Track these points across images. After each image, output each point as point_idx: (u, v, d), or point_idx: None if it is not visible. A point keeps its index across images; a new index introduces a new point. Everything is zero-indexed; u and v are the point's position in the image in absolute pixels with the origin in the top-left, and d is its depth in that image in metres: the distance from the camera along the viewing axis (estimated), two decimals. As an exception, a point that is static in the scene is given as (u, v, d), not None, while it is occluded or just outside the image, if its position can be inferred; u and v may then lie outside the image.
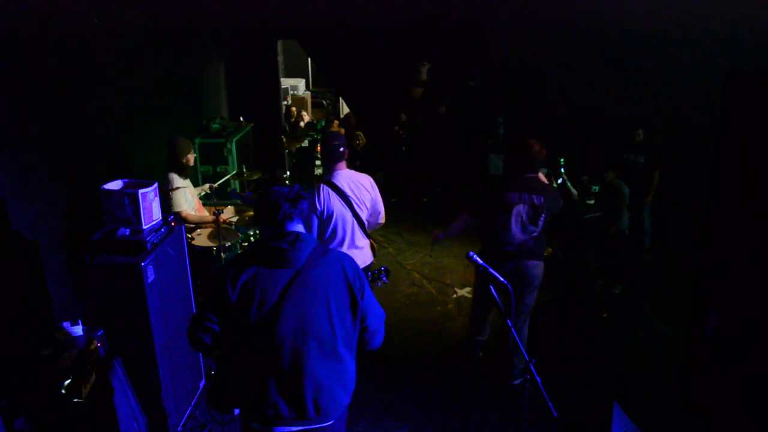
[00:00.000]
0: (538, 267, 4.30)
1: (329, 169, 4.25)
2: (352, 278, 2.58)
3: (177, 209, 5.04)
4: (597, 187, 6.13)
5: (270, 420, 2.53)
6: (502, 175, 4.30)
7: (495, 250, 4.27)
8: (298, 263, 2.48)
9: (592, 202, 6.24)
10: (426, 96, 7.93)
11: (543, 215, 4.18)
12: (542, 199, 4.17)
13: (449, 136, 8.07)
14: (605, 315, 5.56)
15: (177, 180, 5.09)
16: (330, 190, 4.14)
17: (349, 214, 4.20)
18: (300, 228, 2.57)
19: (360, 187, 4.25)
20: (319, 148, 8.06)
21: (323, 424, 2.59)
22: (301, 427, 2.56)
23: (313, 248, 2.54)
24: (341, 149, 4.18)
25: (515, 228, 4.21)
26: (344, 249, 4.22)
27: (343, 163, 4.25)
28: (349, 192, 4.19)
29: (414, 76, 7.89)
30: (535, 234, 4.22)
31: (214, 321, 2.50)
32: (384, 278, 3.38)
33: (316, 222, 4.11)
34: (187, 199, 5.18)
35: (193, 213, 5.25)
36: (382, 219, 4.47)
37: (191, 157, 5.18)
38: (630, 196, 5.79)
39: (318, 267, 2.51)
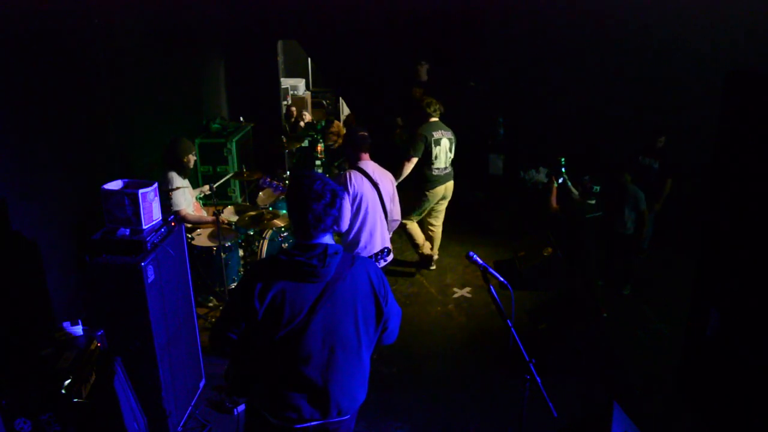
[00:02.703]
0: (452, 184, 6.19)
1: (356, 157, 4.40)
2: (377, 286, 2.57)
3: (176, 208, 5.05)
4: (598, 188, 6.12)
5: (290, 419, 2.54)
6: (423, 124, 5.92)
7: (431, 177, 5.95)
8: (327, 277, 2.44)
9: (593, 202, 6.22)
10: (424, 96, 7.91)
11: (454, 144, 6.01)
12: (451, 133, 5.98)
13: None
14: (605, 315, 5.57)
15: (177, 179, 5.10)
16: (361, 176, 4.27)
17: (378, 200, 4.31)
18: (328, 239, 2.50)
19: (385, 179, 4.45)
20: (319, 148, 8.04)
21: (341, 419, 2.63)
22: (321, 422, 2.58)
23: (341, 259, 2.49)
24: (369, 141, 4.42)
25: (442, 157, 5.90)
26: (377, 236, 4.32)
27: (368, 154, 4.44)
28: (376, 179, 4.34)
29: (413, 77, 7.88)
30: (451, 161, 6.02)
31: (238, 333, 2.49)
32: (386, 257, 3.43)
33: (345, 213, 4.18)
34: (186, 198, 5.19)
35: (191, 213, 5.26)
36: (398, 215, 4.61)
37: (192, 158, 5.21)
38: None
39: (346, 279, 2.48)
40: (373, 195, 4.30)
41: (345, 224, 4.21)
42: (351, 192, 4.21)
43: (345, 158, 4.63)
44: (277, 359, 2.50)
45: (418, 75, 7.84)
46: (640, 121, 6.91)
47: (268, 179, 5.19)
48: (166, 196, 4.97)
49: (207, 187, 5.59)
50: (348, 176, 4.26)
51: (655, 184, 6.08)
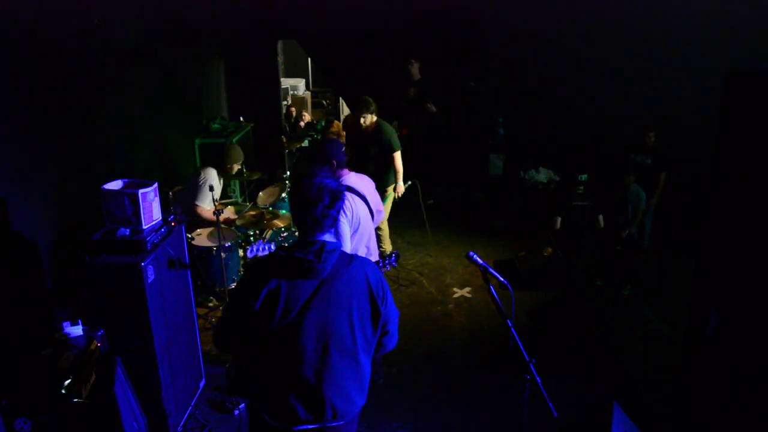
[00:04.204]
0: None
1: (338, 175, 4.19)
2: (375, 287, 2.56)
3: (199, 202, 5.15)
4: (585, 176, 6.20)
5: (287, 420, 2.54)
6: (386, 123, 6.09)
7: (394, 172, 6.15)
8: (323, 274, 2.44)
9: (581, 190, 6.30)
10: (420, 95, 7.89)
11: None
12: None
13: (445, 134, 8.04)
14: (599, 283, 5.74)
15: (214, 178, 5.27)
16: (354, 196, 4.12)
17: (369, 214, 4.23)
18: (328, 237, 2.51)
19: (368, 187, 4.32)
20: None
21: (338, 423, 2.62)
22: (318, 425, 2.58)
23: (338, 257, 2.49)
24: (345, 155, 4.23)
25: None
26: (372, 248, 4.25)
27: (346, 168, 4.26)
28: (364, 192, 4.22)
29: (405, 76, 7.85)
30: None
31: (237, 329, 2.51)
32: (393, 262, 3.40)
33: (342, 230, 3.96)
34: (213, 197, 5.29)
35: (208, 212, 5.34)
36: (383, 212, 4.53)
37: (236, 167, 5.43)
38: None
39: (342, 277, 2.48)
40: (366, 211, 4.20)
41: (347, 246, 4.04)
42: (350, 216, 4.03)
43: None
44: (272, 357, 2.50)
45: (411, 75, 7.81)
46: (640, 119, 6.90)
47: (254, 247, 4.76)
48: (198, 188, 5.20)
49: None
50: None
51: (650, 180, 6.16)
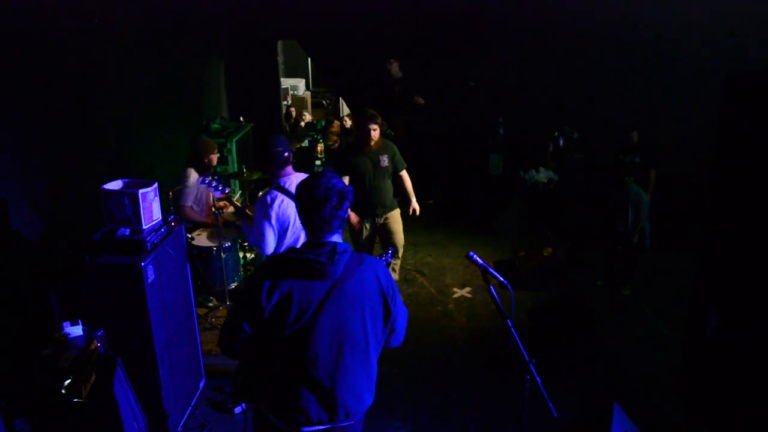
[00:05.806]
0: None
1: (278, 174, 4.15)
2: (385, 286, 2.56)
3: (183, 203, 5.11)
4: (576, 134, 6.65)
5: (297, 422, 2.53)
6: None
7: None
8: (335, 275, 2.44)
9: (572, 145, 6.71)
10: (403, 92, 7.88)
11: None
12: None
13: (441, 129, 8.04)
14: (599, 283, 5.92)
15: (193, 177, 5.19)
16: (285, 197, 4.06)
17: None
18: (337, 238, 2.50)
19: None
20: (319, 148, 8.05)
21: (349, 423, 2.62)
22: (329, 426, 2.57)
23: (349, 257, 2.49)
24: (286, 154, 4.14)
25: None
26: None
27: (291, 167, 4.20)
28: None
29: (386, 75, 7.84)
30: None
31: (246, 331, 2.48)
32: (389, 258, 3.43)
33: (269, 238, 4.00)
34: (200, 197, 5.22)
35: (199, 213, 5.30)
36: None
37: (214, 158, 5.31)
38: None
39: (354, 278, 2.48)
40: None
41: (269, 248, 4.05)
42: (275, 219, 4.00)
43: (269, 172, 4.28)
44: (284, 360, 2.49)
45: (391, 73, 7.80)
46: (639, 120, 6.91)
47: (207, 179, 4.66)
48: (181, 190, 5.11)
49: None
50: (269, 202, 4.01)
51: (642, 178, 6.18)
